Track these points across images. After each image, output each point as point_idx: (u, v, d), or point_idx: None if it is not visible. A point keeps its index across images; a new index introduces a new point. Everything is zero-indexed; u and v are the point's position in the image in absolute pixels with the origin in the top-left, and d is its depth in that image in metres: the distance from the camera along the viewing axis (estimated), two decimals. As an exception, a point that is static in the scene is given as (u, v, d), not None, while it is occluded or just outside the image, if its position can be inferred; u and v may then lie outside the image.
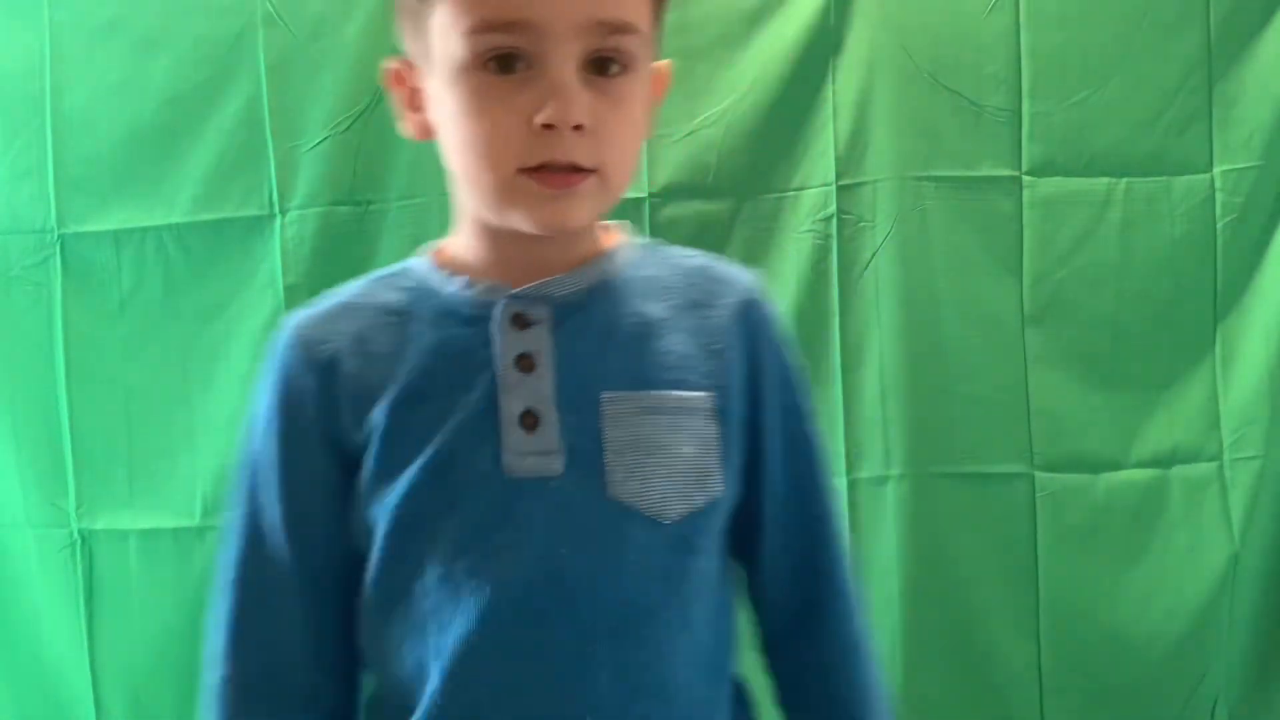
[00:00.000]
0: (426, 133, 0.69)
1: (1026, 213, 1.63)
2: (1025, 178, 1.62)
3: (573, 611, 0.64)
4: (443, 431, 0.65)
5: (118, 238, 1.64)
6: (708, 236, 1.63)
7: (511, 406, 0.65)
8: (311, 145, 1.62)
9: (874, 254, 1.61)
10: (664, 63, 0.73)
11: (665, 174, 1.61)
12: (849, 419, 1.62)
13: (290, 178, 1.63)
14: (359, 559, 0.68)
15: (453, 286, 0.69)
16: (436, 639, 0.65)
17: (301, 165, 1.63)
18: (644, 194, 1.61)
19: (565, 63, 0.63)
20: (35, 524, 1.68)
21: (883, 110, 1.60)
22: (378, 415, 0.67)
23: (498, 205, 0.65)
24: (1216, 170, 1.63)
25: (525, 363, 0.66)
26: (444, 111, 0.65)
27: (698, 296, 0.71)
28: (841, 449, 1.63)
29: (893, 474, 1.62)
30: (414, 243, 1.58)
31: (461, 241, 0.71)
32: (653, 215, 1.62)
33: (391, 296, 0.70)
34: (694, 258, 0.76)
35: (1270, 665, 1.68)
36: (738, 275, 0.75)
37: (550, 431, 0.65)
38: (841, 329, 1.62)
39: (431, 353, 0.67)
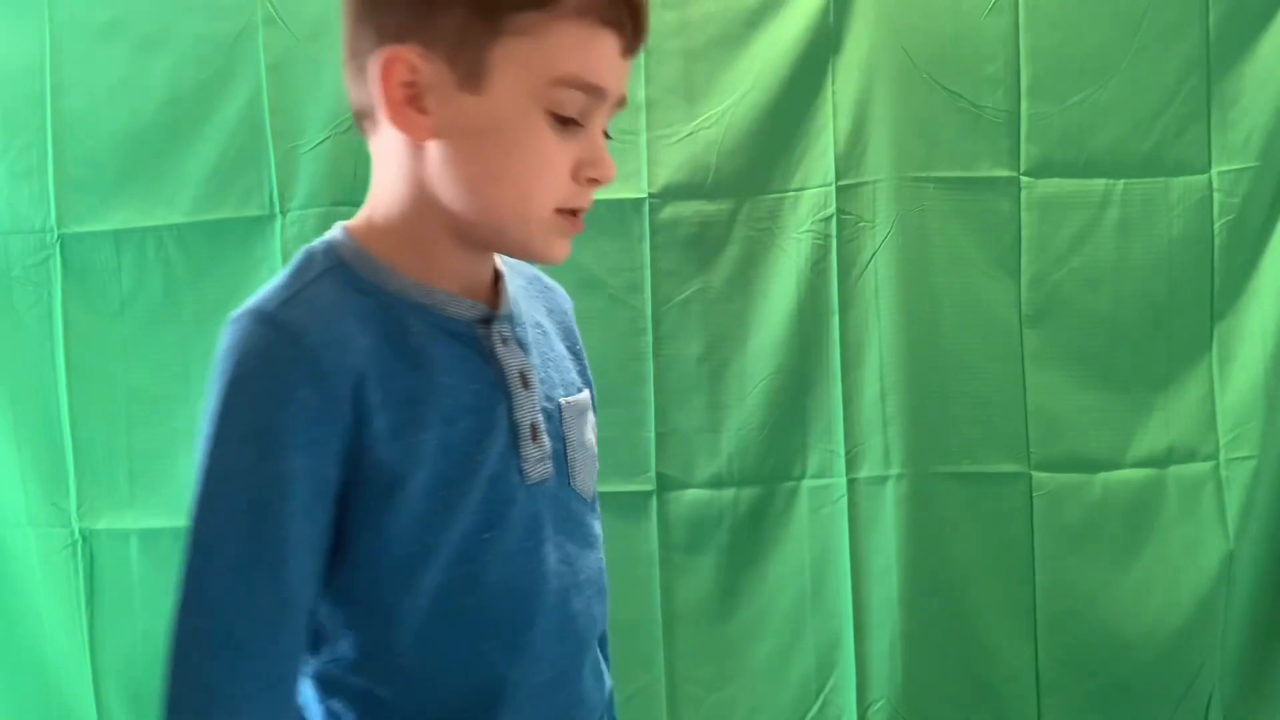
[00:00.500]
0: (424, 135, 0.67)
1: (1025, 213, 1.63)
2: (1024, 178, 1.63)
3: (577, 583, 0.73)
4: (484, 448, 0.68)
5: (118, 238, 1.64)
6: (708, 236, 1.63)
7: (523, 420, 0.70)
8: (311, 145, 1.62)
9: (873, 254, 1.62)
10: None
11: (665, 174, 1.62)
12: (849, 419, 1.63)
13: (290, 178, 1.63)
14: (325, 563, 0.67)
15: (429, 297, 0.69)
16: (510, 634, 0.70)
17: (301, 165, 1.63)
18: (644, 194, 1.62)
19: (604, 128, 0.69)
20: (36, 524, 1.68)
21: (882, 111, 1.61)
22: (412, 431, 0.66)
23: (519, 236, 0.68)
24: (1214, 171, 1.63)
25: (524, 378, 0.70)
26: (486, 133, 0.66)
27: (549, 304, 0.78)
28: (841, 449, 1.63)
29: (892, 474, 1.62)
30: (414, 243, 1.63)
31: (405, 238, 0.69)
32: (653, 215, 1.62)
33: (359, 302, 0.67)
34: (518, 264, 0.79)
35: (1265, 663, 1.69)
36: (553, 283, 0.83)
37: (545, 439, 0.71)
38: (841, 329, 1.62)
39: (450, 371, 0.68)
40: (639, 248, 1.63)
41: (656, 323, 1.63)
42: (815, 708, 1.65)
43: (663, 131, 1.62)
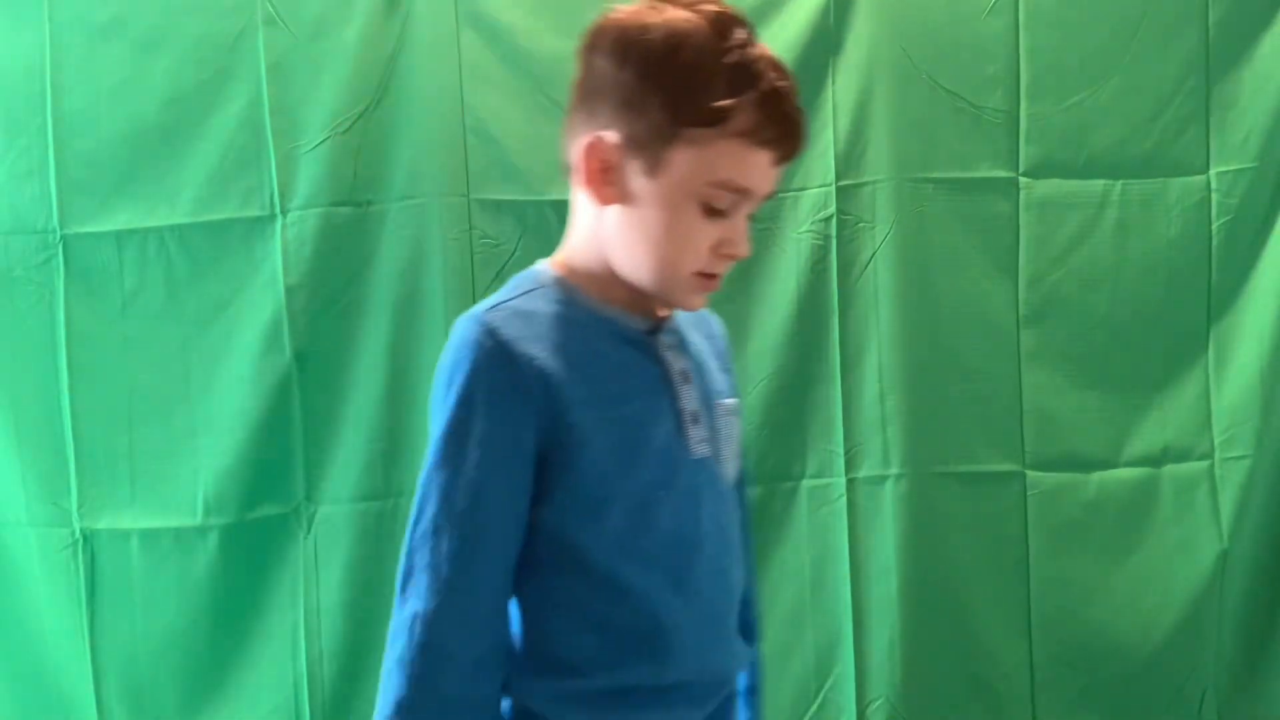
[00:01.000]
0: (607, 200, 0.85)
1: (1023, 214, 1.64)
2: (1022, 179, 1.63)
3: (726, 547, 0.91)
4: (652, 426, 0.86)
5: (120, 238, 1.64)
6: (707, 237, 1.63)
7: (686, 407, 0.88)
8: (311, 146, 1.63)
9: (873, 254, 1.62)
10: None
11: (665, 175, 1.62)
12: (848, 419, 1.64)
13: (290, 178, 1.63)
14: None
15: (611, 312, 0.88)
16: (675, 574, 0.87)
17: (302, 166, 1.63)
18: (644, 194, 1.62)
19: (740, 218, 0.85)
20: (37, 523, 1.68)
21: (882, 111, 1.61)
22: (596, 412, 0.84)
23: (661, 287, 0.86)
24: (1212, 172, 1.64)
25: (685, 376, 0.89)
26: (652, 210, 0.84)
27: (704, 330, 0.96)
28: (840, 449, 1.64)
29: (891, 473, 1.63)
30: (414, 243, 1.63)
31: (593, 272, 0.88)
32: (653, 216, 1.62)
33: (558, 310, 0.87)
34: None
35: (1258, 660, 1.70)
36: (712, 315, 0.99)
37: (705, 425, 0.89)
38: (841, 329, 1.63)
39: (621, 364, 0.87)
40: (639, 248, 1.63)
41: (656, 323, 1.64)
42: (815, 706, 1.66)
43: (662, 132, 1.62)
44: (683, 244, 0.84)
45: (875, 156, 1.62)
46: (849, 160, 1.62)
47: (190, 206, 1.64)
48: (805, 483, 1.65)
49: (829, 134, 1.61)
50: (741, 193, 0.83)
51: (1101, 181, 1.64)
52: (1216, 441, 1.66)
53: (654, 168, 0.83)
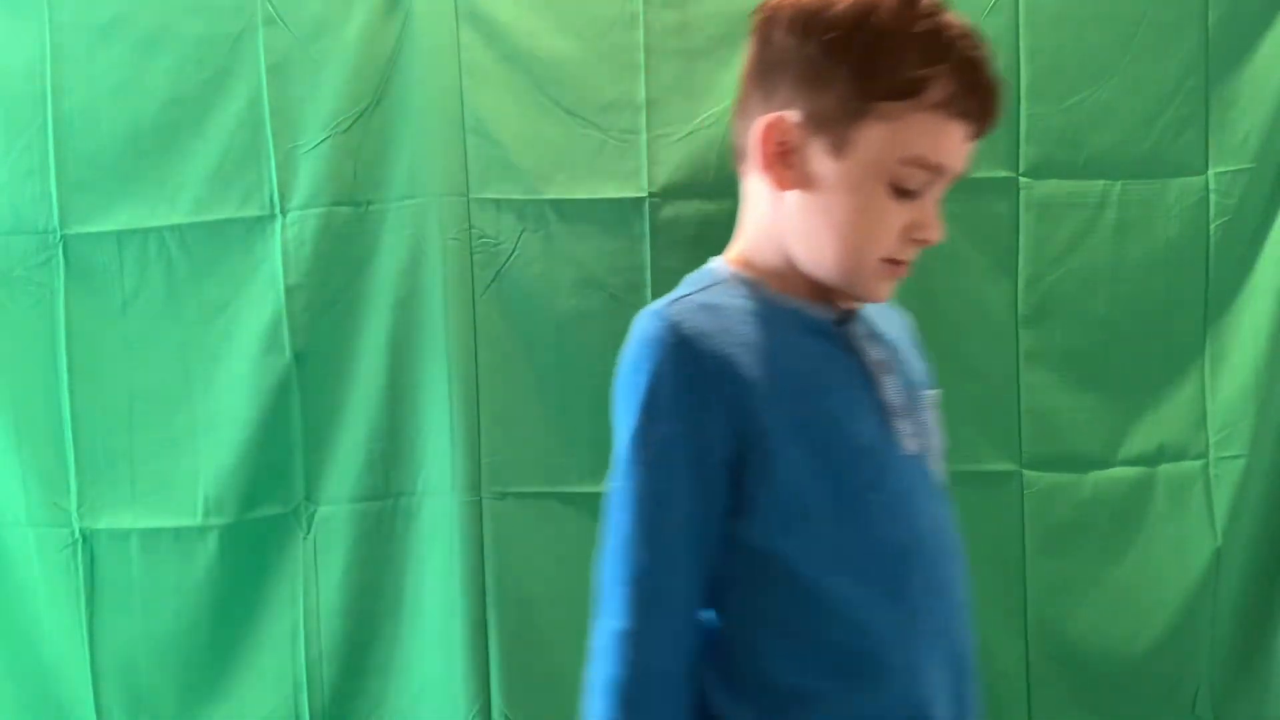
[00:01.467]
0: (787, 185, 0.81)
1: (1022, 214, 1.64)
2: (1022, 179, 1.63)
3: (948, 552, 0.85)
4: (855, 422, 0.81)
5: (120, 238, 1.64)
6: (708, 236, 1.63)
7: (891, 399, 0.83)
8: (311, 145, 1.62)
9: (872, 254, 1.62)
10: None
11: (665, 174, 1.62)
12: (847, 418, 1.64)
13: (290, 178, 1.63)
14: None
15: (795, 304, 0.83)
16: (892, 585, 0.81)
17: (301, 165, 1.63)
18: (644, 194, 1.62)
19: (932, 198, 0.81)
20: (36, 523, 1.68)
21: (881, 111, 1.61)
22: (791, 409, 0.80)
23: (846, 277, 0.81)
24: (1211, 172, 1.64)
25: (883, 367, 0.84)
26: (839, 193, 0.79)
27: (895, 320, 0.91)
28: (840, 448, 1.64)
29: (890, 472, 1.63)
30: (414, 243, 1.64)
31: (771, 265, 0.84)
32: (653, 215, 1.62)
33: (742, 303, 0.82)
34: None
35: (1252, 660, 1.70)
36: (898, 308, 0.95)
37: (914, 418, 0.84)
38: (839, 329, 1.63)
39: (814, 357, 0.82)
40: (639, 248, 1.63)
41: (656, 323, 1.64)
42: (814, 706, 1.66)
43: (663, 131, 1.62)
44: (871, 229, 0.79)
45: (875, 156, 1.62)
46: (848, 160, 1.62)
47: (190, 206, 1.64)
48: (805, 483, 1.65)
49: (828, 134, 1.62)
50: (935, 170, 0.79)
51: (1101, 182, 1.64)
52: (1211, 441, 1.66)
53: (840, 147, 0.78)
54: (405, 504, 1.66)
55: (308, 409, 1.64)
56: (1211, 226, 1.64)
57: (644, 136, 1.62)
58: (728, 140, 1.61)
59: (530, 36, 1.63)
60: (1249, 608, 1.69)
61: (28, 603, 1.70)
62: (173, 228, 1.64)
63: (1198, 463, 1.66)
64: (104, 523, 1.67)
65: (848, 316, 0.85)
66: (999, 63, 1.58)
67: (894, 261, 0.81)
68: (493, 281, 1.64)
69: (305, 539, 1.66)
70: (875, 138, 0.78)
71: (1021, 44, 1.62)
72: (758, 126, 0.81)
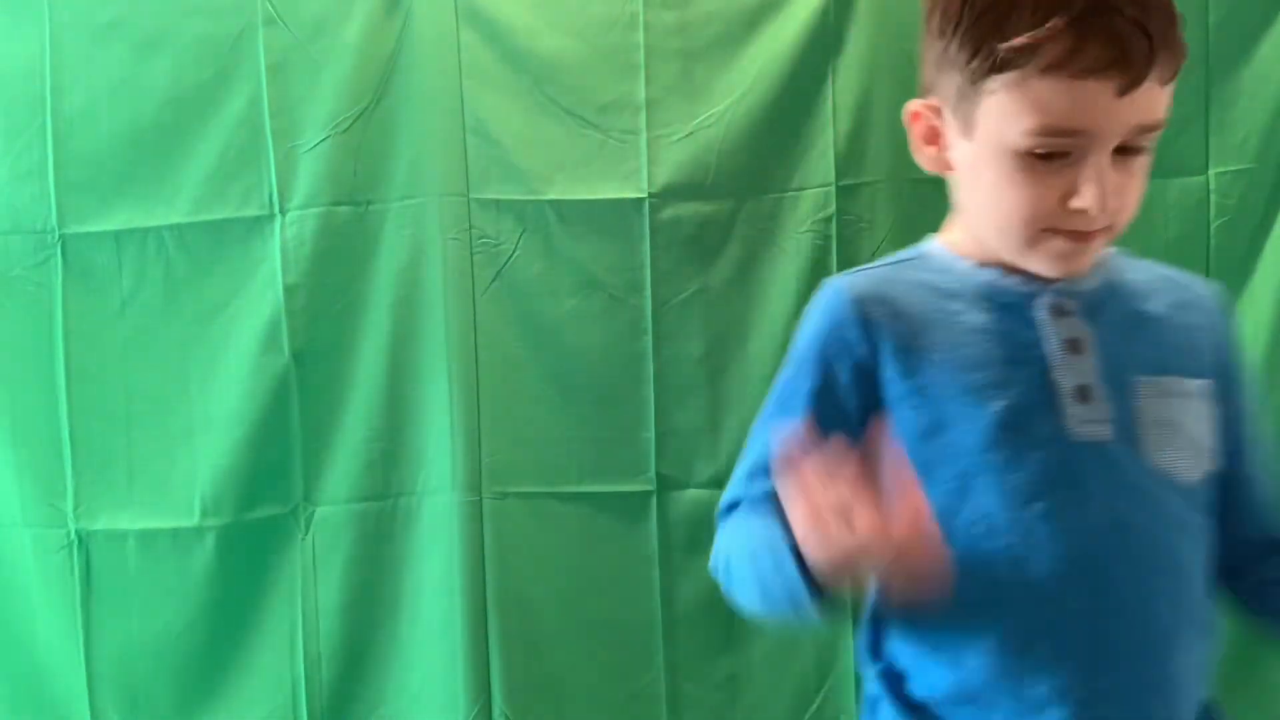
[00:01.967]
0: (941, 167, 0.83)
1: (1023, 214, 1.63)
2: (1022, 179, 1.63)
3: (1130, 555, 0.77)
4: (1003, 397, 0.78)
5: (119, 238, 1.64)
6: (708, 236, 1.64)
7: (1065, 381, 0.78)
8: (311, 145, 1.62)
9: (873, 254, 1.62)
10: None
11: (665, 174, 1.62)
12: (848, 418, 1.63)
13: (290, 178, 1.63)
14: None
15: (986, 276, 0.81)
16: (1014, 570, 0.76)
17: (301, 165, 1.63)
18: (644, 194, 1.62)
19: (1104, 156, 0.75)
20: (32, 524, 1.67)
21: (882, 111, 1.61)
22: (931, 373, 0.80)
23: (1019, 253, 0.79)
24: (1211, 172, 1.64)
25: (1073, 345, 0.79)
26: (981, 172, 0.78)
27: (1181, 299, 0.85)
28: (840, 448, 1.64)
29: (891, 473, 1.63)
30: (414, 243, 1.63)
31: (960, 238, 0.84)
32: (652, 215, 1.62)
33: (925, 276, 0.84)
34: (1159, 266, 0.89)
35: (1249, 660, 1.69)
36: (1204, 285, 0.89)
37: (1101, 404, 0.78)
38: (840, 329, 1.63)
39: (979, 329, 0.80)
40: (639, 248, 1.63)
41: (656, 323, 1.63)
42: (814, 706, 1.65)
43: (663, 131, 1.62)
44: (1014, 204, 0.76)
45: (875, 157, 1.62)
46: (849, 160, 1.62)
47: (189, 206, 1.64)
48: (805, 483, 1.65)
49: (829, 134, 1.61)
50: (1068, 134, 0.73)
51: (1101, 182, 1.64)
52: (1211, 441, 1.66)
53: (968, 128, 0.77)
54: (405, 504, 1.65)
55: (306, 409, 1.64)
56: (1212, 226, 1.64)
57: (644, 137, 1.62)
58: (728, 140, 1.62)
59: (530, 36, 1.63)
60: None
61: (23, 604, 1.69)
62: (172, 227, 1.64)
63: (1199, 463, 1.66)
64: (101, 523, 1.66)
65: (1046, 287, 0.79)
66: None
67: (1059, 231, 0.76)
68: (493, 281, 1.63)
69: (303, 539, 1.66)
70: (994, 114, 0.75)
71: (1021, 44, 1.61)
72: (904, 115, 0.83)
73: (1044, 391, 0.78)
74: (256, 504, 1.65)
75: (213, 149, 1.63)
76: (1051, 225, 0.76)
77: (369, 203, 1.63)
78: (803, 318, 0.86)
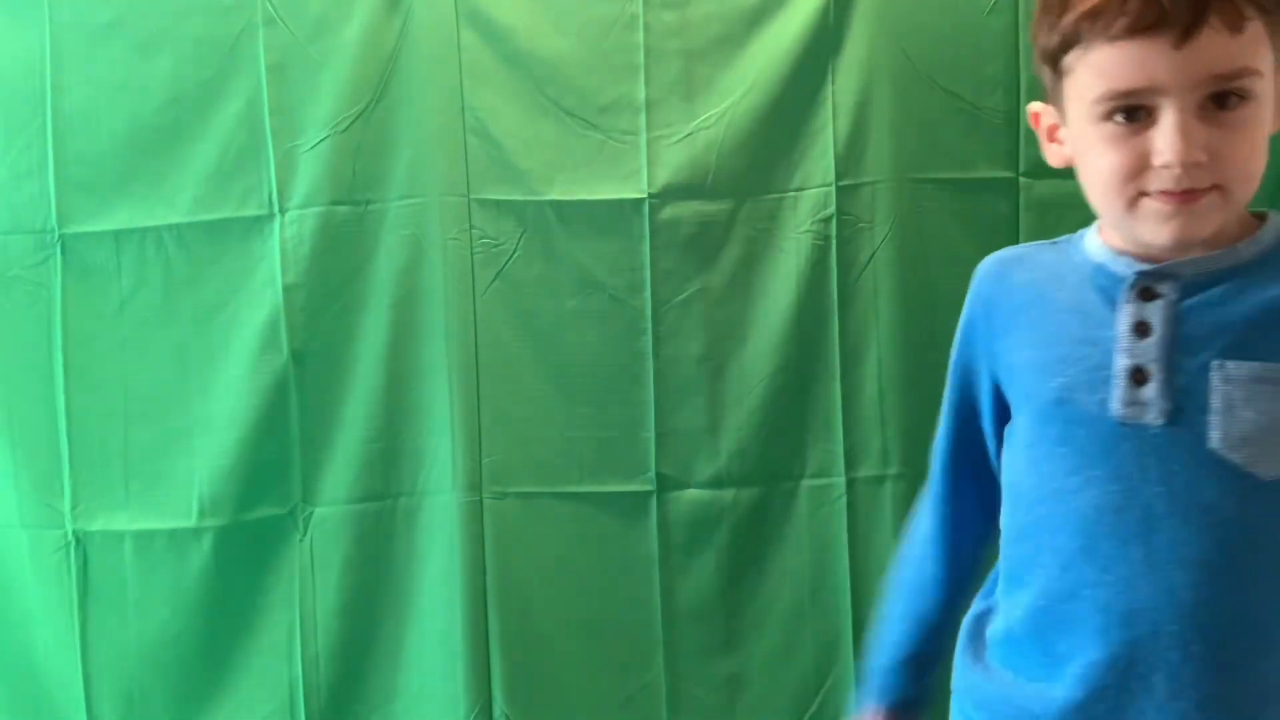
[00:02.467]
0: (1065, 162, 0.85)
1: (1023, 214, 1.64)
2: (1022, 179, 1.63)
3: (1149, 536, 0.78)
4: (1065, 374, 0.82)
5: (118, 238, 1.64)
6: (708, 236, 1.64)
7: (1122, 362, 0.80)
8: (311, 145, 1.62)
9: (873, 254, 1.62)
10: None
11: (665, 174, 1.62)
12: (848, 418, 1.63)
13: (290, 178, 1.63)
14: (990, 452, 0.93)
15: (1100, 258, 0.84)
16: (1049, 537, 0.83)
17: (301, 165, 1.63)
18: (644, 194, 1.62)
19: (1181, 111, 0.74)
20: (29, 525, 1.66)
21: (882, 111, 1.61)
22: (1019, 350, 0.86)
23: (1125, 224, 0.80)
24: (1212, 172, 1.64)
25: (1141, 328, 0.80)
26: (1080, 151, 0.82)
27: None
28: (840, 448, 1.64)
29: (890, 473, 1.62)
30: (414, 242, 1.63)
31: (1109, 227, 0.86)
32: (652, 215, 1.62)
33: (1055, 256, 0.88)
34: None
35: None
36: None
37: (1155, 388, 0.78)
38: (840, 329, 1.63)
39: (1065, 309, 0.84)
40: (639, 248, 1.63)
41: (656, 323, 1.63)
42: (814, 706, 1.65)
43: (663, 131, 1.62)
44: (1109, 175, 0.77)
45: (875, 156, 1.62)
46: (849, 160, 1.62)
47: (189, 206, 1.63)
48: (805, 482, 1.65)
49: (829, 134, 1.61)
50: (1132, 95, 0.74)
51: (1102, 181, 1.64)
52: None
53: (1063, 114, 0.82)
54: (405, 504, 1.65)
55: (305, 409, 1.64)
56: (1212, 226, 1.64)
57: (644, 137, 1.62)
58: (728, 140, 1.62)
59: (530, 37, 1.63)
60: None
61: (20, 605, 1.69)
62: (171, 227, 1.64)
63: (1199, 463, 1.66)
64: (98, 524, 1.66)
65: (1161, 271, 0.80)
66: (999, 63, 1.62)
67: (1160, 193, 0.76)
68: (493, 281, 1.63)
69: (302, 540, 1.65)
70: (1074, 92, 0.79)
71: (1021, 44, 1.62)
72: (1028, 117, 0.89)
73: (1102, 371, 0.80)
74: (255, 504, 1.65)
75: (212, 149, 1.63)
76: (1142, 188, 0.77)
77: (368, 202, 1.63)
78: None
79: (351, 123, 1.62)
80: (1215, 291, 0.79)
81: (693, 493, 1.64)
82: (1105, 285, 0.82)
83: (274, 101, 1.62)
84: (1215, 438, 0.77)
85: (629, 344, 1.64)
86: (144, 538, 1.65)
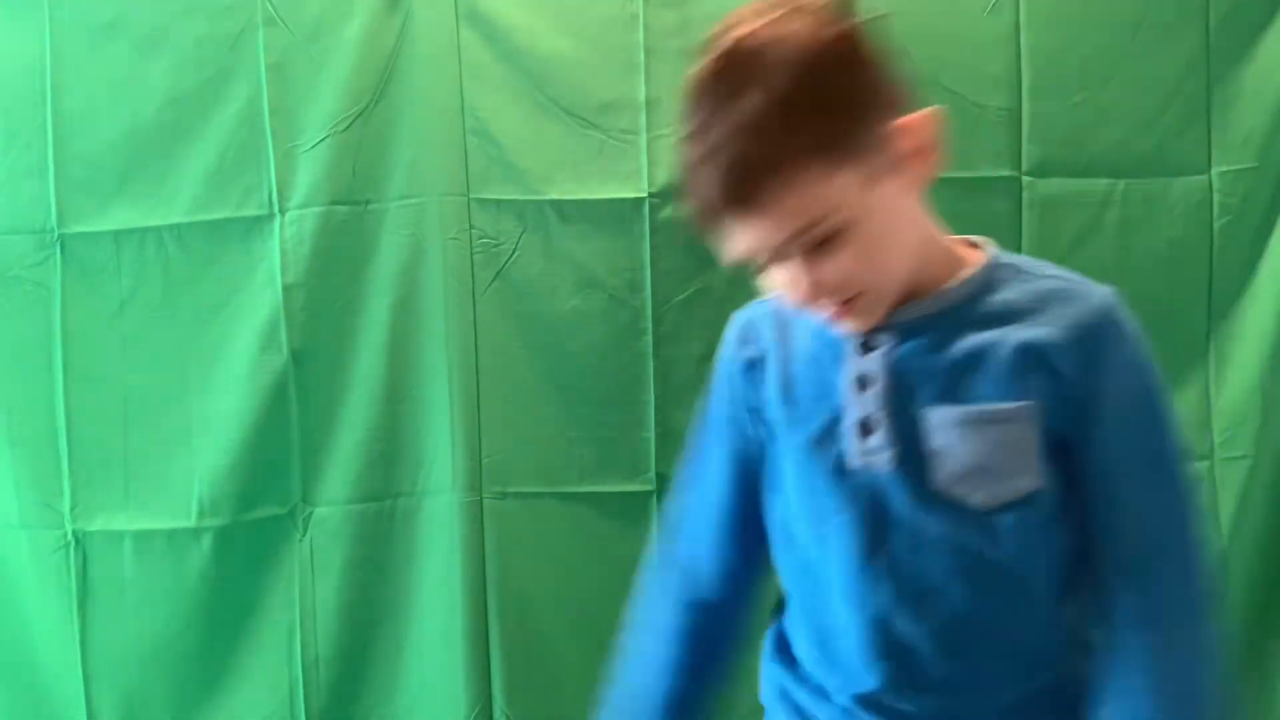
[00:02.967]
0: None
1: (1025, 213, 1.63)
2: (1024, 178, 1.63)
3: (896, 571, 0.83)
4: (807, 430, 0.86)
5: (118, 237, 1.64)
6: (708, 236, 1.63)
7: (852, 415, 0.84)
8: (311, 145, 1.62)
9: (873, 254, 1.62)
10: (914, 119, 0.82)
11: (665, 174, 1.61)
12: (849, 419, 1.63)
13: (290, 177, 1.63)
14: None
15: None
16: (808, 581, 0.88)
17: (301, 165, 1.62)
18: (644, 194, 1.62)
19: (787, 262, 0.78)
20: (29, 525, 1.66)
21: (883, 110, 1.61)
22: (772, 407, 0.89)
23: None
24: (1214, 171, 1.64)
25: (863, 381, 0.83)
26: None
27: (1038, 316, 0.81)
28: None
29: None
30: (413, 243, 1.63)
31: None
32: (652, 215, 1.62)
33: (791, 311, 0.87)
34: (1052, 279, 0.84)
35: (1256, 662, 1.68)
36: (1087, 294, 0.82)
37: (881, 436, 0.82)
38: (841, 328, 1.62)
39: (806, 362, 0.87)
40: (639, 248, 1.62)
41: (656, 323, 1.63)
42: (816, 709, 1.64)
43: (663, 131, 1.61)
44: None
45: (876, 156, 1.61)
46: (849, 160, 1.61)
47: (189, 206, 1.63)
48: (806, 483, 1.64)
49: (829, 134, 1.61)
50: (750, 257, 0.78)
51: (1103, 181, 1.63)
52: (1216, 442, 1.65)
53: None
54: (405, 504, 1.65)
55: (305, 409, 1.63)
56: (1215, 226, 1.64)
57: (644, 137, 1.62)
58: (728, 140, 1.62)
59: (530, 36, 1.62)
60: (1253, 611, 1.68)
61: (20, 605, 1.68)
62: (171, 227, 1.64)
63: (1202, 464, 1.65)
64: (97, 524, 1.66)
65: (886, 324, 0.83)
66: (1001, 62, 1.61)
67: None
68: (493, 281, 1.63)
69: (302, 540, 1.65)
70: None
71: (1022, 44, 1.62)
72: None
73: (836, 425, 0.84)
74: (254, 504, 1.65)
75: (212, 149, 1.63)
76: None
77: (368, 202, 1.63)
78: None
79: (351, 123, 1.62)
80: (924, 340, 0.82)
81: (693, 493, 1.64)
82: (833, 340, 0.85)
83: (274, 101, 1.62)
84: (934, 479, 0.81)
85: (629, 344, 1.63)
86: (144, 538, 1.65)
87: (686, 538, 0.98)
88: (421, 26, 1.61)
